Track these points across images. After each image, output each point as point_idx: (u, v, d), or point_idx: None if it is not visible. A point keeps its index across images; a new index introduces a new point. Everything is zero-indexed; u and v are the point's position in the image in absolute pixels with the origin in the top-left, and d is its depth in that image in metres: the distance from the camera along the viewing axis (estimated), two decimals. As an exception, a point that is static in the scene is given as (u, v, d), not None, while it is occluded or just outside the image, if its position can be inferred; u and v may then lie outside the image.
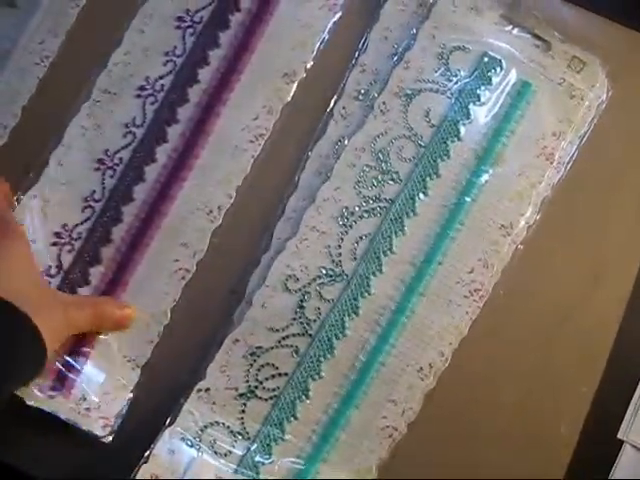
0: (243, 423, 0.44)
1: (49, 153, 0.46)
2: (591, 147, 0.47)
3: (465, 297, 0.45)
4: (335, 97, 0.47)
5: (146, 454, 0.42)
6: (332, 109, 0.47)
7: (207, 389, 0.44)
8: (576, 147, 0.47)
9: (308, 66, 0.47)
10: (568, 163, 0.46)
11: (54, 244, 0.46)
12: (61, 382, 0.43)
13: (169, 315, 0.45)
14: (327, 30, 0.48)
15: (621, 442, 0.45)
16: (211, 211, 0.46)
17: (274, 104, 0.47)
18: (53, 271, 0.45)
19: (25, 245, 0.43)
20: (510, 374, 0.46)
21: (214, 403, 0.44)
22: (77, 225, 0.46)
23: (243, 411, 0.44)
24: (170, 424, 0.43)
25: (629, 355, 0.46)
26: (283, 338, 0.44)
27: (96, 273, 0.45)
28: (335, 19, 0.48)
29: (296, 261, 0.45)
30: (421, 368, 0.45)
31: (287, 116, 0.47)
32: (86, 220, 0.46)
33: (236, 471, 0.43)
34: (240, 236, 0.46)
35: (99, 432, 0.43)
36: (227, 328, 0.44)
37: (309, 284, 0.45)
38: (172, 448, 0.43)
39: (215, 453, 0.43)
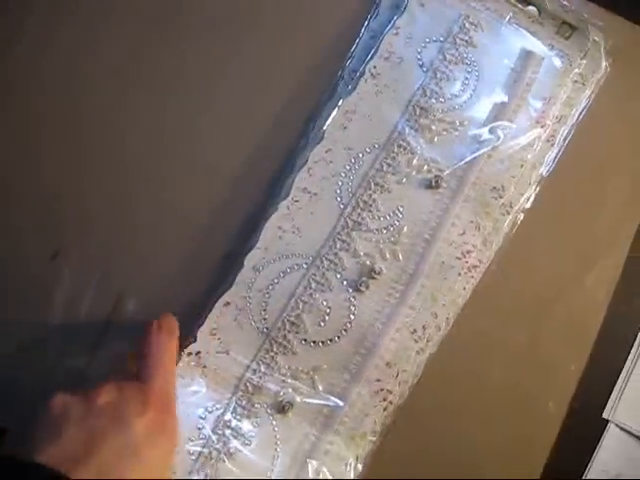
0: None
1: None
2: (588, 125, 0.47)
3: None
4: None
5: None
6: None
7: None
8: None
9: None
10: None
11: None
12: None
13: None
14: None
15: (606, 421, 0.45)
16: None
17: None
18: None
19: (173, 443, 0.39)
20: (500, 349, 0.46)
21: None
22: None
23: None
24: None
25: (616, 336, 0.46)
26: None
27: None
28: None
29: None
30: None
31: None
32: None
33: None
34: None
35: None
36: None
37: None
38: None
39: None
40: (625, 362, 0.45)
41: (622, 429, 0.44)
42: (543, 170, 0.46)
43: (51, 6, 0.46)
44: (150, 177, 0.45)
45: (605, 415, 0.45)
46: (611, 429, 0.44)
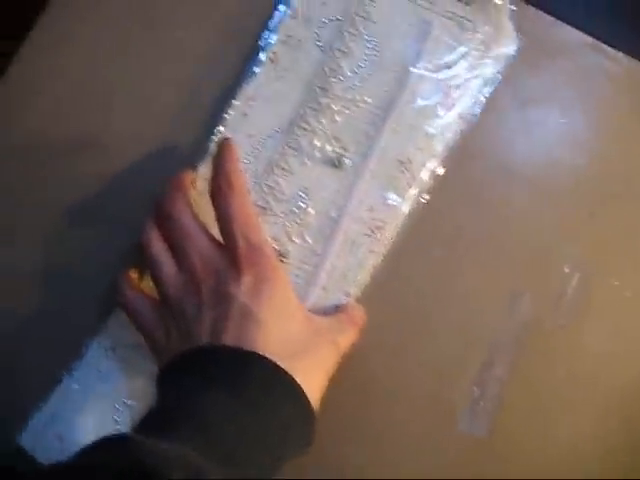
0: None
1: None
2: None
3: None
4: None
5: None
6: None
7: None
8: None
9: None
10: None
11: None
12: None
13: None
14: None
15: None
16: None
17: None
18: None
19: (285, 282, 0.40)
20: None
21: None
22: None
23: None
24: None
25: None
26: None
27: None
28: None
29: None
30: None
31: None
32: None
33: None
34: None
35: None
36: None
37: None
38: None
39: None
40: None
41: None
42: (450, 141, 0.46)
43: None
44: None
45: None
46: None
